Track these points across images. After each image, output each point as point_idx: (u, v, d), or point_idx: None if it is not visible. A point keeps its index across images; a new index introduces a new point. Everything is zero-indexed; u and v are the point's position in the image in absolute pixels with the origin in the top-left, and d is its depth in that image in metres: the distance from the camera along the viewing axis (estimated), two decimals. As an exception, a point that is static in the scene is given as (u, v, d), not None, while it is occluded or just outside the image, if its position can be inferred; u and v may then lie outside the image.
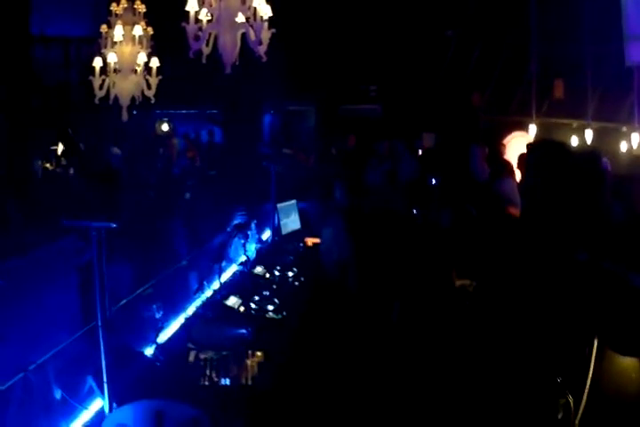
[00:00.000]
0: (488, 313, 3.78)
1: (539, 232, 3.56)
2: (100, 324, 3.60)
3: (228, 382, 4.44)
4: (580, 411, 3.38)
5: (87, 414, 3.95)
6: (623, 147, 12.00)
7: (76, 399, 3.91)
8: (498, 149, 11.72)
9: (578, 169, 3.64)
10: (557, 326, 3.40)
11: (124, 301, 4.54)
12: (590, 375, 3.36)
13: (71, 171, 9.79)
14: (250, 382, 4.49)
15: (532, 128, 13.99)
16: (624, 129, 12.29)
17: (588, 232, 3.60)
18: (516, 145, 12.73)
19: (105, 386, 3.68)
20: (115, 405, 3.69)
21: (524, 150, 10.63)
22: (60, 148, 9.83)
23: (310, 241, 7.99)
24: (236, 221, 6.73)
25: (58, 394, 3.80)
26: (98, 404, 3.96)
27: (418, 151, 11.26)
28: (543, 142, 5.90)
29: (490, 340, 3.64)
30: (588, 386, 3.36)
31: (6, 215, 6.75)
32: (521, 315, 3.48)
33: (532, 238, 3.57)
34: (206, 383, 4.42)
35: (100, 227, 3.43)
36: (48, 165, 9.91)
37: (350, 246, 6.70)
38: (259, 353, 4.71)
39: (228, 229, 6.71)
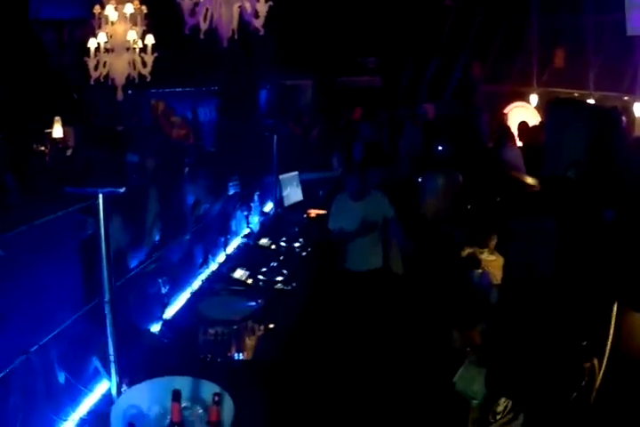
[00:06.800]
0: (510, 280, 3.65)
1: (563, 190, 3.43)
2: (106, 299, 3.38)
3: (239, 356, 4.31)
4: (602, 371, 3.34)
5: (93, 397, 3.79)
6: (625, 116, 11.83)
7: (81, 382, 3.73)
8: (500, 118, 11.67)
9: (601, 123, 3.51)
10: (581, 289, 3.28)
11: (129, 275, 4.35)
12: (611, 336, 3.30)
13: (69, 152, 9.60)
14: (261, 355, 4.35)
15: (534, 98, 13.82)
16: (626, 98, 12.10)
17: (612, 188, 3.47)
18: (516, 115, 12.64)
19: (112, 366, 3.43)
20: (124, 386, 3.49)
21: (524, 119, 10.76)
22: (56, 130, 9.61)
23: (313, 212, 7.83)
24: (231, 192, 6.58)
25: (61, 377, 3.62)
26: (104, 386, 3.79)
27: (421, 121, 11.10)
28: (564, 100, 5.81)
29: (511, 308, 3.51)
30: (608, 347, 3.31)
31: (4, 189, 6.61)
32: (544, 279, 3.35)
33: (556, 197, 3.44)
34: (217, 359, 4.28)
35: (106, 193, 3.19)
36: (43, 148, 9.70)
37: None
38: (270, 325, 4.58)
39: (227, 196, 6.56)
